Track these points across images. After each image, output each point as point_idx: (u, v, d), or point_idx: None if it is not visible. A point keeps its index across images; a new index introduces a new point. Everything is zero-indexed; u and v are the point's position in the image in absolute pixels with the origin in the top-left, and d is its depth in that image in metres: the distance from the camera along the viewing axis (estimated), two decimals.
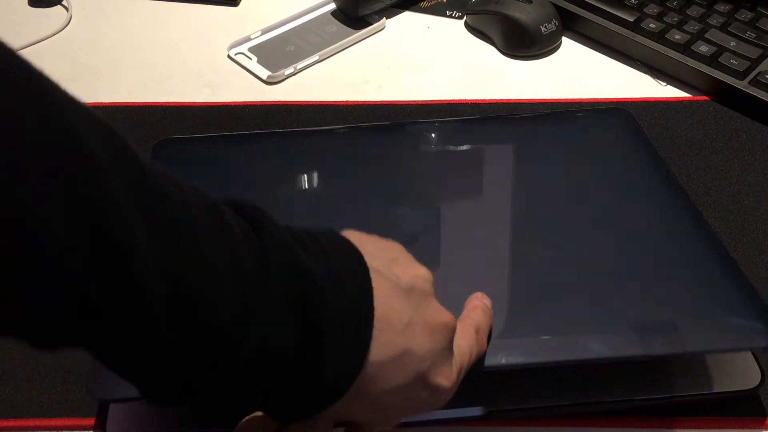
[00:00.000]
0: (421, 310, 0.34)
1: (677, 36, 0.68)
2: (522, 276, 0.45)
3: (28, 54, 0.28)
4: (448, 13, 0.77)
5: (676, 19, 0.69)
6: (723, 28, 0.69)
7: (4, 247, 0.22)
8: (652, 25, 0.69)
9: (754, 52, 0.66)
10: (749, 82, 0.65)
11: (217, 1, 0.78)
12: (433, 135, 0.55)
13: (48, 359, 0.47)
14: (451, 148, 0.55)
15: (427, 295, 0.36)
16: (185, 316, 0.27)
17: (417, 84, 0.69)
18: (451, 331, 0.36)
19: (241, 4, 0.78)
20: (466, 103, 0.67)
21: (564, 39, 0.73)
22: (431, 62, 0.71)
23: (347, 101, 0.67)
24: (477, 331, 0.39)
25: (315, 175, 0.52)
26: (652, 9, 0.70)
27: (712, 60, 0.66)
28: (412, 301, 0.34)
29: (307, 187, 0.51)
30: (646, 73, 0.70)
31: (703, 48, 0.67)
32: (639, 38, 0.69)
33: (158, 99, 0.67)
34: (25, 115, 0.23)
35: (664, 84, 0.68)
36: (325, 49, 0.71)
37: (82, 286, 0.24)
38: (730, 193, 0.58)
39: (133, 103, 0.66)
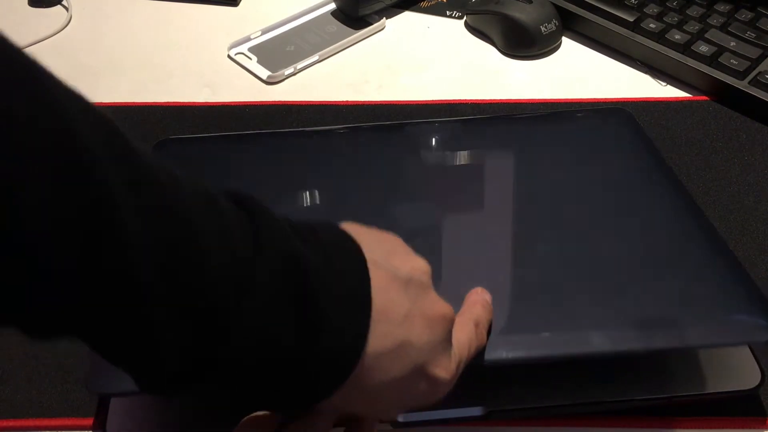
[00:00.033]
0: (419, 301, 0.34)
1: (677, 36, 0.68)
2: (522, 271, 0.45)
3: None
4: (448, 13, 0.77)
5: (676, 19, 0.69)
6: (723, 28, 0.69)
7: None
8: (652, 25, 0.69)
9: (754, 52, 0.66)
10: (749, 82, 0.65)
11: (217, 1, 0.78)
12: (433, 135, 0.55)
13: (48, 359, 0.47)
14: (451, 148, 0.55)
15: (425, 287, 0.35)
16: (176, 297, 0.27)
17: (417, 84, 0.69)
18: (450, 323, 0.36)
19: (241, 4, 0.78)
20: (466, 103, 0.67)
21: (564, 39, 0.73)
22: (431, 62, 0.71)
23: (347, 101, 0.67)
24: (477, 325, 0.39)
25: (315, 175, 0.52)
26: (652, 9, 0.70)
27: (712, 60, 0.66)
28: (410, 293, 0.34)
29: (306, 187, 0.51)
30: (646, 73, 0.70)
31: (703, 48, 0.67)
32: (639, 38, 0.69)
33: (158, 99, 0.67)
34: (11, 92, 0.23)
35: (664, 84, 0.68)
36: (325, 49, 0.71)
37: (70, 264, 0.24)
38: (730, 193, 0.58)
39: (133, 103, 0.66)
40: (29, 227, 0.23)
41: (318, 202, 0.51)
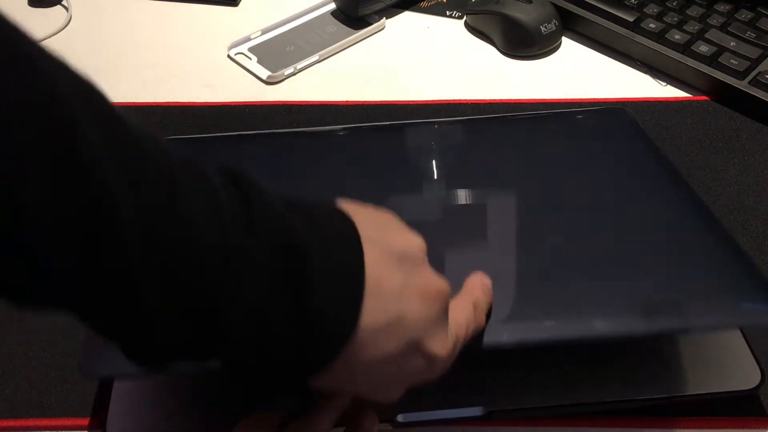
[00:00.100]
0: (414, 276, 0.34)
1: (677, 36, 0.68)
2: (522, 259, 0.44)
3: None
4: (448, 13, 0.77)
5: (676, 19, 0.69)
6: (723, 28, 0.69)
7: None
8: (652, 25, 0.69)
9: (754, 52, 0.66)
10: (749, 82, 0.65)
11: (217, 1, 0.78)
12: (433, 135, 0.55)
13: (48, 359, 0.48)
14: (451, 148, 0.55)
15: (420, 263, 0.35)
16: (166, 270, 0.27)
17: (417, 84, 0.69)
18: (446, 299, 0.36)
19: (241, 4, 0.78)
20: (466, 103, 0.67)
21: (564, 39, 0.73)
22: (431, 62, 0.71)
23: (347, 101, 0.67)
24: (475, 306, 0.38)
25: (314, 176, 0.52)
26: (652, 9, 0.70)
27: (712, 60, 0.66)
28: (404, 268, 0.34)
29: (306, 187, 0.51)
30: (646, 73, 0.70)
31: (703, 48, 0.67)
32: (639, 38, 0.69)
33: (158, 99, 0.67)
34: (10, 85, 0.23)
35: (664, 84, 0.68)
36: (325, 49, 0.71)
37: (62, 239, 0.24)
38: (730, 193, 0.58)
39: (133, 103, 0.66)
40: (19, 202, 0.23)
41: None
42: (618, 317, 0.40)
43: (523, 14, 0.70)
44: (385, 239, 0.34)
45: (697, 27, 0.69)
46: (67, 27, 0.75)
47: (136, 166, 0.26)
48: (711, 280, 0.43)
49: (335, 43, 0.72)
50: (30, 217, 0.23)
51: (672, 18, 0.70)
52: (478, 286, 0.40)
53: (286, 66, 0.70)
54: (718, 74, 0.66)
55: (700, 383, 0.44)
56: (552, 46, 0.72)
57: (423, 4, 0.78)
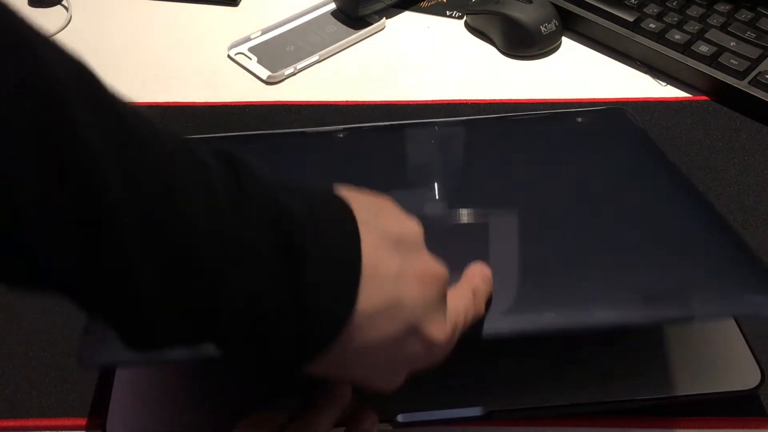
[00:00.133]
0: (411, 260, 0.34)
1: (677, 36, 0.68)
2: (523, 252, 0.44)
3: None
4: (448, 13, 0.77)
5: (676, 19, 0.69)
6: (723, 28, 0.69)
7: None
8: (652, 25, 0.69)
9: (754, 52, 0.66)
10: (749, 82, 0.65)
11: (217, 1, 0.78)
12: (433, 135, 0.55)
13: (48, 359, 0.48)
14: (451, 148, 0.55)
15: (417, 247, 0.35)
16: (159, 251, 0.27)
17: (417, 84, 0.69)
18: (444, 284, 0.35)
19: (241, 4, 0.78)
20: (466, 103, 0.67)
21: (564, 39, 0.73)
22: (431, 62, 0.71)
23: (347, 101, 0.67)
24: (474, 294, 0.38)
25: (314, 176, 0.52)
26: (652, 9, 0.70)
27: (712, 60, 0.66)
28: (401, 252, 0.34)
29: None
30: (646, 73, 0.70)
31: (703, 48, 0.67)
32: (639, 38, 0.69)
33: (158, 99, 0.67)
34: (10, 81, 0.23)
35: (664, 84, 0.68)
36: (325, 49, 0.71)
37: (52, 220, 0.24)
38: (730, 193, 0.58)
39: (133, 103, 0.66)
40: (7, 183, 0.23)
41: None
42: (619, 306, 0.40)
43: (523, 14, 0.70)
44: (382, 224, 0.34)
45: (697, 27, 0.69)
46: (67, 27, 0.75)
47: (133, 153, 0.26)
48: (713, 271, 0.42)
49: (335, 43, 0.72)
50: (23, 208, 0.23)
51: (672, 18, 0.70)
52: (477, 274, 0.40)
53: (286, 66, 0.70)
54: (718, 74, 0.66)
55: (700, 383, 0.44)
56: (552, 46, 0.72)
57: (423, 4, 0.78)
